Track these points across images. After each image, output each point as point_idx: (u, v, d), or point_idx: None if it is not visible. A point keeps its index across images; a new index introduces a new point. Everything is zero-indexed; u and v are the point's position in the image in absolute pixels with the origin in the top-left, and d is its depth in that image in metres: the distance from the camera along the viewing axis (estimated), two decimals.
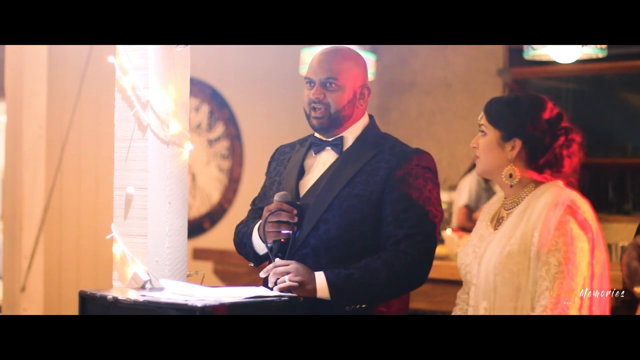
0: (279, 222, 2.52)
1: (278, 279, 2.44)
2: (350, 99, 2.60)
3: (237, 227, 2.77)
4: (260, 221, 2.62)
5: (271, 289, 2.46)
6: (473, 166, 6.34)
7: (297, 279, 2.42)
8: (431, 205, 2.53)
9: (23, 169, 5.54)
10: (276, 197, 2.56)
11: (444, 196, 6.49)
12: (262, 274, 2.50)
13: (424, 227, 2.50)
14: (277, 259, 2.48)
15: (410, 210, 2.49)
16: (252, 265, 2.72)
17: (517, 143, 2.42)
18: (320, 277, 2.43)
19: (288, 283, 2.42)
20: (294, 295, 2.40)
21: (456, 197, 6.32)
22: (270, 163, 2.80)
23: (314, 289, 2.43)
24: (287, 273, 2.43)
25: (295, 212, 2.53)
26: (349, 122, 2.62)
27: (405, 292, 2.58)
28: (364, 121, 2.67)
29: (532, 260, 2.30)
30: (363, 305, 2.49)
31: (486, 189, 6.23)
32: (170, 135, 2.65)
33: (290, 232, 2.52)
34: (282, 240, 2.53)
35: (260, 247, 2.63)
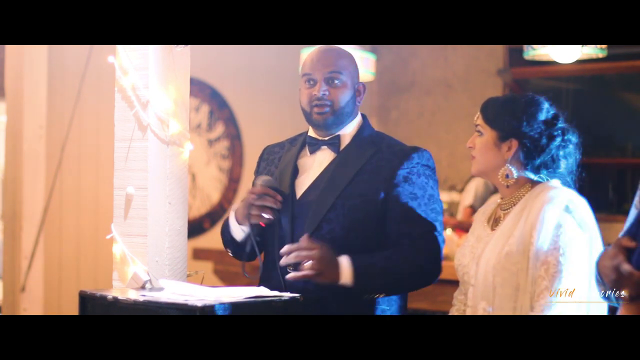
0: (262, 206, 2.52)
1: (299, 262, 2.39)
2: (352, 96, 2.61)
3: (224, 220, 2.78)
4: (237, 204, 2.62)
5: (287, 269, 2.43)
6: None
7: (317, 267, 2.38)
8: (435, 202, 2.56)
9: (23, 169, 5.54)
10: (260, 181, 2.55)
11: (444, 196, 6.52)
12: (282, 251, 2.42)
13: (434, 224, 2.53)
14: (303, 239, 2.41)
15: (419, 209, 2.52)
16: (229, 253, 2.70)
17: (514, 143, 2.42)
18: (345, 264, 2.41)
19: (304, 273, 2.38)
20: (294, 295, 2.39)
21: (464, 197, 6.37)
22: (259, 163, 2.79)
23: (337, 277, 2.41)
24: (310, 258, 2.38)
25: (279, 198, 2.53)
26: (347, 120, 2.62)
27: (421, 287, 2.59)
28: (358, 120, 2.67)
29: (531, 260, 2.30)
30: (381, 295, 2.49)
31: (493, 192, 6.25)
32: (170, 135, 2.65)
33: (273, 217, 2.53)
34: (263, 224, 2.53)
35: (236, 231, 2.62)
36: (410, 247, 2.48)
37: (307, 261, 2.39)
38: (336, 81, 2.57)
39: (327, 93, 2.56)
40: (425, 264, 2.50)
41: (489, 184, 6.22)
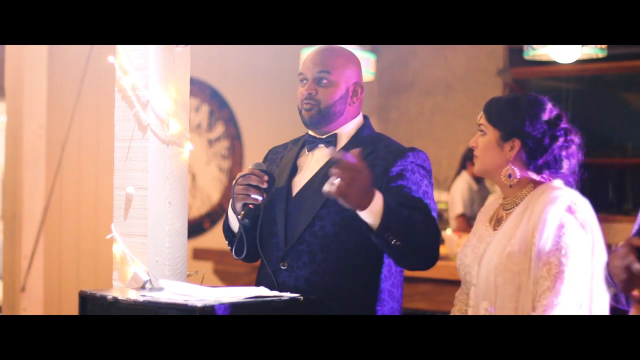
0: (248, 185, 2.52)
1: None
2: (343, 95, 2.60)
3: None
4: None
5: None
6: (460, 169, 6.38)
7: (342, 188, 2.26)
8: (429, 199, 2.54)
9: (23, 169, 5.54)
10: (251, 165, 2.58)
11: (444, 196, 6.51)
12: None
13: (430, 213, 2.50)
14: (346, 158, 2.28)
15: (412, 200, 2.48)
16: (229, 246, 2.68)
17: (516, 143, 2.42)
18: (378, 197, 2.32)
19: (328, 189, 2.27)
20: (294, 295, 2.39)
21: (450, 205, 6.32)
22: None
23: (365, 205, 2.31)
24: (340, 176, 2.27)
25: (265, 178, 2.54)
26: (341, 119, 2.62)
27: (424, 264, 2.51)
28: (358, 120, 2.67)
29: (533, 260, 2.30)
30: (398, 242, 2.38)
31: (479, 190, 6.24)
32: (170, 135, 2.65)
33: (261, 198, 2.53)
34: (251, 205, 2.53)
35: (233, 221, 2.64)
36: (420, 219, 2.44)
37: (337, 178, 2.28)
38: (324, 80, 2.59)
39: (313, 92, 2.58)
40: (433, 239, 2.46)
41: (472, 185, 6.22)
